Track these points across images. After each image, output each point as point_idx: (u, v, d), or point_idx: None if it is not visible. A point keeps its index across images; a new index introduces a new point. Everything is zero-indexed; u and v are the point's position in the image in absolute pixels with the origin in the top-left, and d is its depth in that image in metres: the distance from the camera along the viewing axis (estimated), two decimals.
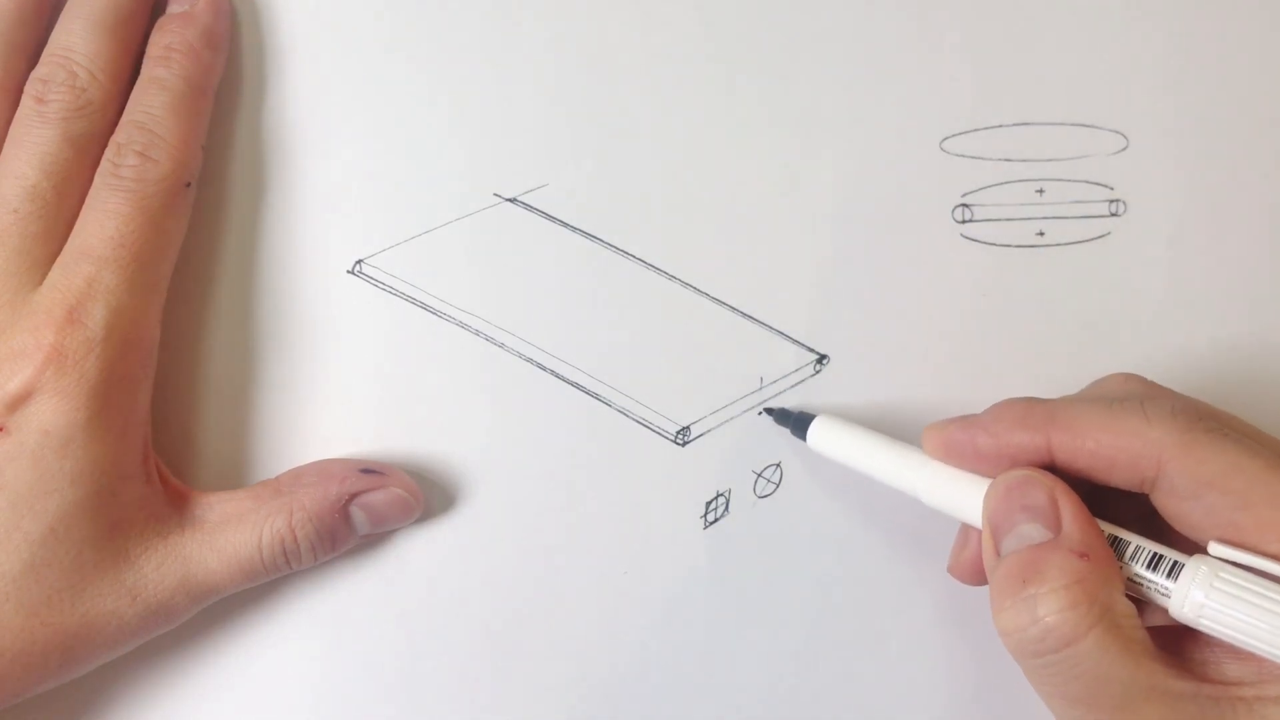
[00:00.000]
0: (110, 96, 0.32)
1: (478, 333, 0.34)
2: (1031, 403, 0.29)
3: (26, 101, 0.31)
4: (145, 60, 0.33)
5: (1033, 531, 0.27)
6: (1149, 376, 0.35)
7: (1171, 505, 0.27)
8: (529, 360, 0.34)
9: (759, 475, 0.34)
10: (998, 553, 0.28)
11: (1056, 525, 0.27)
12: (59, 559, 0.29)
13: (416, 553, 0.34)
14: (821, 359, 0.35)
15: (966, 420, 0.29)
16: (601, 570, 0.34)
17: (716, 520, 0.34)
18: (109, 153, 0.31)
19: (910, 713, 0.34)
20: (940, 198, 0.35)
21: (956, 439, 0.29)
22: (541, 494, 0.34)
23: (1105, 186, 0.36)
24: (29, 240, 0.30)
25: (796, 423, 0.33)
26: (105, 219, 0.30)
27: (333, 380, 0.34)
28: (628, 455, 0.34)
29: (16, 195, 0.30)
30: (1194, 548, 0.27)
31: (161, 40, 0.33)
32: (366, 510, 0.32)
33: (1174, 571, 0.27)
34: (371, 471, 0.32)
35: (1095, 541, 0.27)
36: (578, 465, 0.34)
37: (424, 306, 0.34)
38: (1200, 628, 0.26)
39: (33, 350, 0.29)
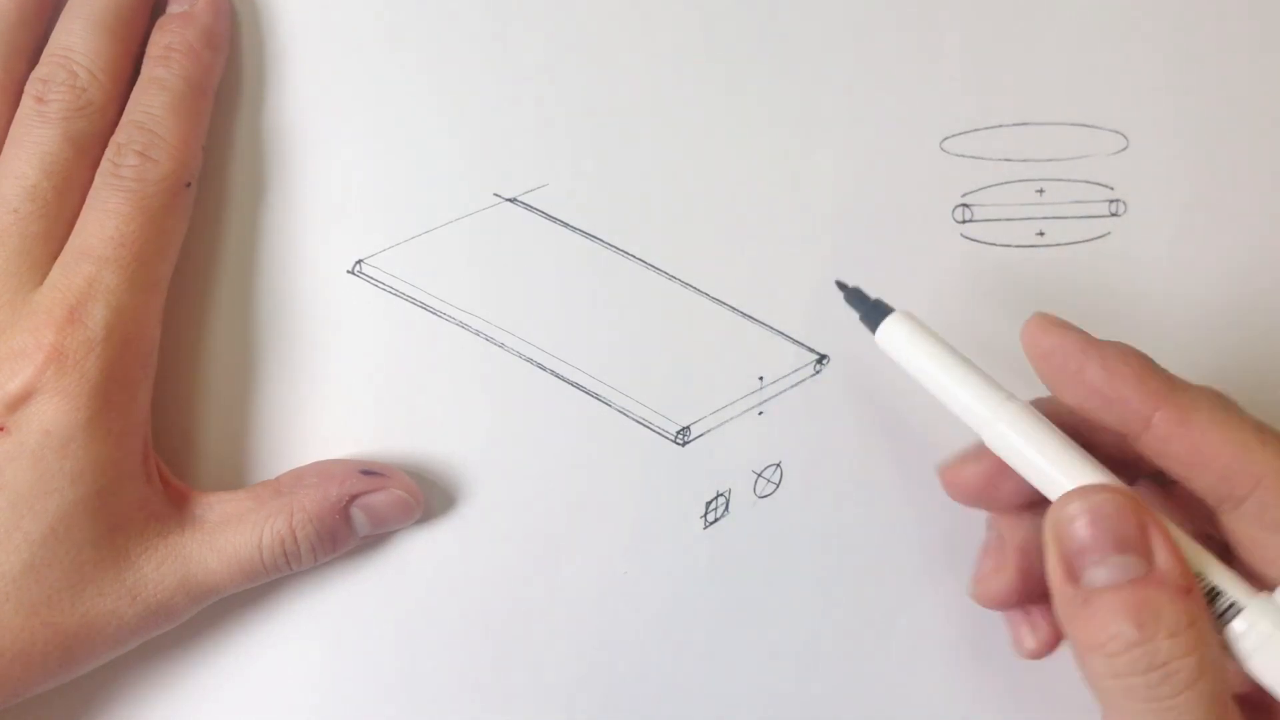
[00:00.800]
0: (111, 96, 0.32)
1: (478, 333, 0.34)
2: (1153, 366, 0.27)
3: (27, 101, 0.31)
4: (145, 60, 0.33)
5: (1129, 565, 0.25)
6: None
7: (1251, 532, 0.26)
8: (529, 360, 0.34)
9: (759, 475, 0.34)
10: (1076, 581, 0.26)
11: (1149, 555, 0.25)
12: (59, 559, 0.29)
13: (417, 553, 0.34)
14: (821, 359, 0.35)
15: (1083, 339, 0.27)
16: (601, 570, 0.34)
17: (716, 520, 0.34)
18: (109, 153, 0.31)
19: (911, 713, 0.34)
20: (940, 198, 0.35)
21: (1067, 352, 0.27)
22: (541, 494, 0.34)
23: (1105, 186, 0.36)
24: (29, 240, 0.30)
25: (871, 310, 0.30)
26: (105, 219, 0.30)
27: (333, 380, 0.34)
28: (628, 455, 0.34)
29: (17, 195, 0.30)
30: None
31: (161, 40, 0.33)
32: (367, 511, 0.32)
33: (1229, 612, 0.25)
34: (372, 473, 0.32)
35: (1190, 574, 0.25)
36: (578, 465, 0.34)
37: (424, 306, 0.34)
38: (1251, 671, 0.25)
39: (33, 350, 0.29)
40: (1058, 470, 0.27)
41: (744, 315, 0.35)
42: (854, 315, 0.35)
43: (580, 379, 0.34)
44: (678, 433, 0.34)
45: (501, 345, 0.34)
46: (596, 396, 0.34)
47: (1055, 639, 0.31)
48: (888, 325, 0.29)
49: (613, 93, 0.35)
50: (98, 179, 0.31)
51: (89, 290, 0.30)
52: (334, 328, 0.34)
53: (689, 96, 0.35)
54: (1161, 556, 0.25)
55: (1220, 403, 0.27)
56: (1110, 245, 0.36)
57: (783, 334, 0.35)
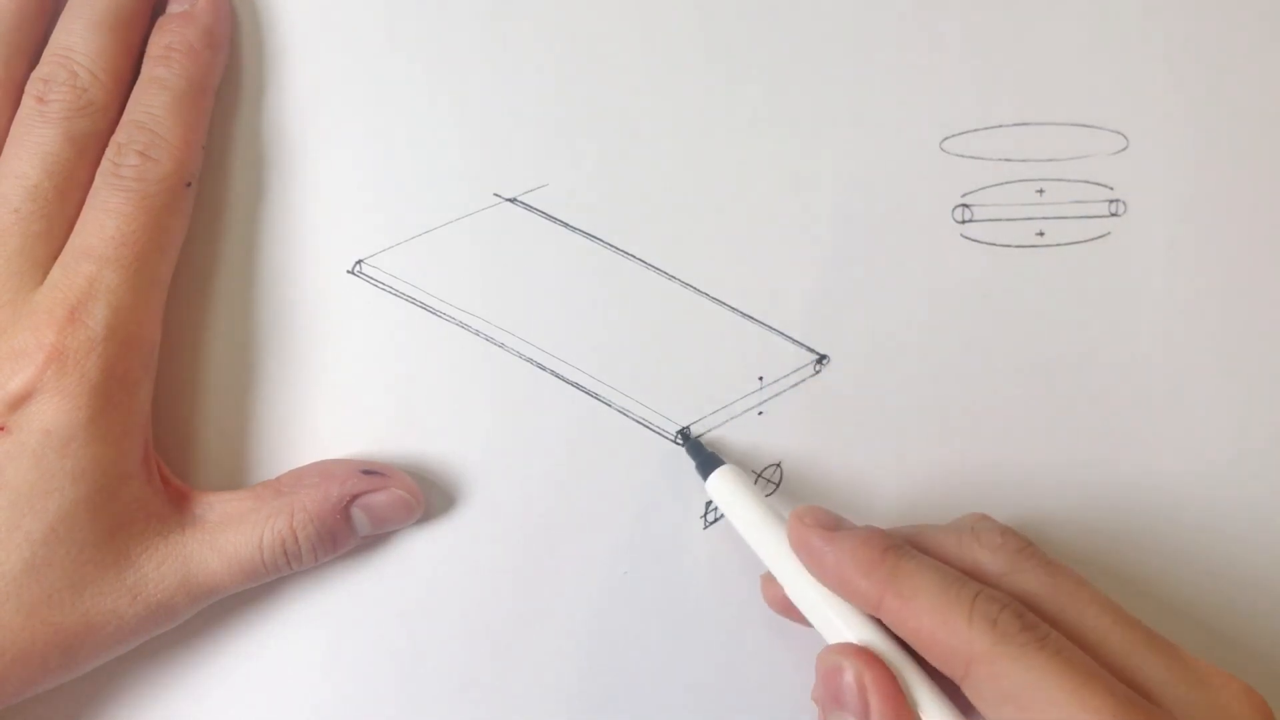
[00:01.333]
0: (112, 96, 0.32)
1: (478, 333, 0.34)
2: (885, 550, 0.29)
3: (28, 101, 0.31)
4: (145, 60, 0.33)
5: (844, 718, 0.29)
6: (1146, 376, 0.35)
7: (979, 705, 0.27)
8: (529, 360, 0.34)
9: (759, 475, 0.34)
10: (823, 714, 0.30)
11: (865, 711, 0.28)
12: (60, 558, 0.29)
13: (417, 552, 0.34)
14: (821, 359, 0.35)
15: (826, 532, 0.30)
16: (602, 570, 0.34)
17: (717, 520, 0.34)
18: (110, 152, 0.31)
19: None
20: (940, 198, 0.35)
21: (811, 544, 0.30)
22: (541, 494, 0.34)
23: (1105, 186, 0.36)
24: (30, 240, 0.30)
25: (705, 461, 0.33)
26: (106, 218, 0.30)
27: (333, 380, 0.34)
28: (628, 455, 0.34)
29: (18, 195, 0.30)
30: None
31: (162, 40, 0.33)
32: (367, 511, 0.32)
33: None
34: (373, 473, 0.32)
35: None
36: (578, 465, 0.34)
37: (424, 306, 0.34)
38: None
39: (34, 350, 0.29)
40: (824, 623, 0.30)
41: (744, 315, 0.35)
42: (855, 315, 0.35)
43: (580, 379, 0.34)
44: (678, 433, 0.34)
45: (501, 345, 0.34)
46: (596, 397, 0.34)
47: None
48: (716, 476, 0.32)
49: (612, 94, 0.35)
50: (98, 178, 0.31)
51: (90, 290, 0.30)
52: (334, 328, 0.34)
53: (688, 97, 0.35)
54: (875, 713, 0.28)
55: (942, 579, 0.28)
56: (1110, 245, 0.36)
57: (782, 334, 0.35)
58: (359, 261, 0.34)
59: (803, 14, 0.35)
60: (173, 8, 0.34)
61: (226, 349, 0.34)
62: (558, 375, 0.34)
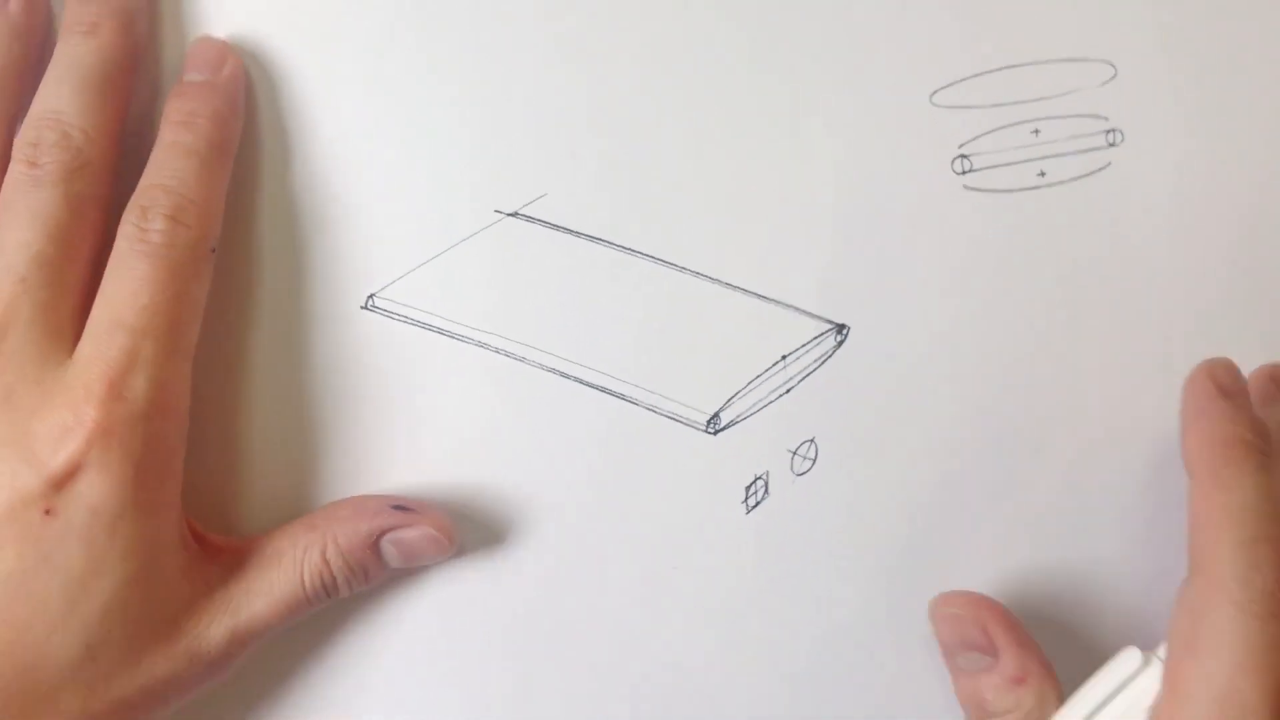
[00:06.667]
0: (107, 160, 0.31)
1: (497, 350, 0.34)
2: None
3: (17, 167, 0.30)
4: (165, 125, 0.32)
5: (973, 660, 0.32)
6: (1163, 302, 0.35)
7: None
8: (552, 370, 0.34)
9: (794, 453, 0.34)
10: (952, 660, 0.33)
11: (993, 651, 0.31)
12: (116, 638, 0.29)
13: (467, 569, 0.34)
14: (841, 329, 0.35)
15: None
16: (649, 569, 0.34)
17: (758, 504, 0.34)
18: (132, 216, 0.30)
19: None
20: (938, 152, 0.35)
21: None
22: (579, 500, 0.34)
23: (1100, 118, 0.36)
24: (40, 309, 0.30)
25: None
26: (138, 286, 0.30)
27: (360, 417, 0.34)
28: (661, 451, 0.34)
29: (22, 263, 0.29)
30: None
31: (184, 106, 0.32)
32: (398, 546, 0.32)
33: None
34: (404, 508, 0.32)
35: (1031, 663, 0.31)
36: (612, 467, 0.34)
37: (440, 331, 0.34)
38: None
39: (75, 427, 0.29)
40: None
41: (758, 296, 0.35)
42: (870, 282, 0.35)
43: (605, 381, 0.34)
44: (708, 421, 0.34)
45: (523, 359, 0.34)
46: (622, 397, 0.34)
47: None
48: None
49: (596, 88, 0.35)
50: (122, 243, 0.30)
51: (128, 363, 0.29)
52: (352, 365, 0.34)
53: (674, 87, 0.35)
54: (1002, 652, 0.31)
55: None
56: (1113, 175, 0.35)
57: (799, 310, 0.35)
58: (371, 296, 0.34)
59: None
60: (191, 75, 0.33)
61: (259, 402, 0.34)
62: (582, 381, 0.34)
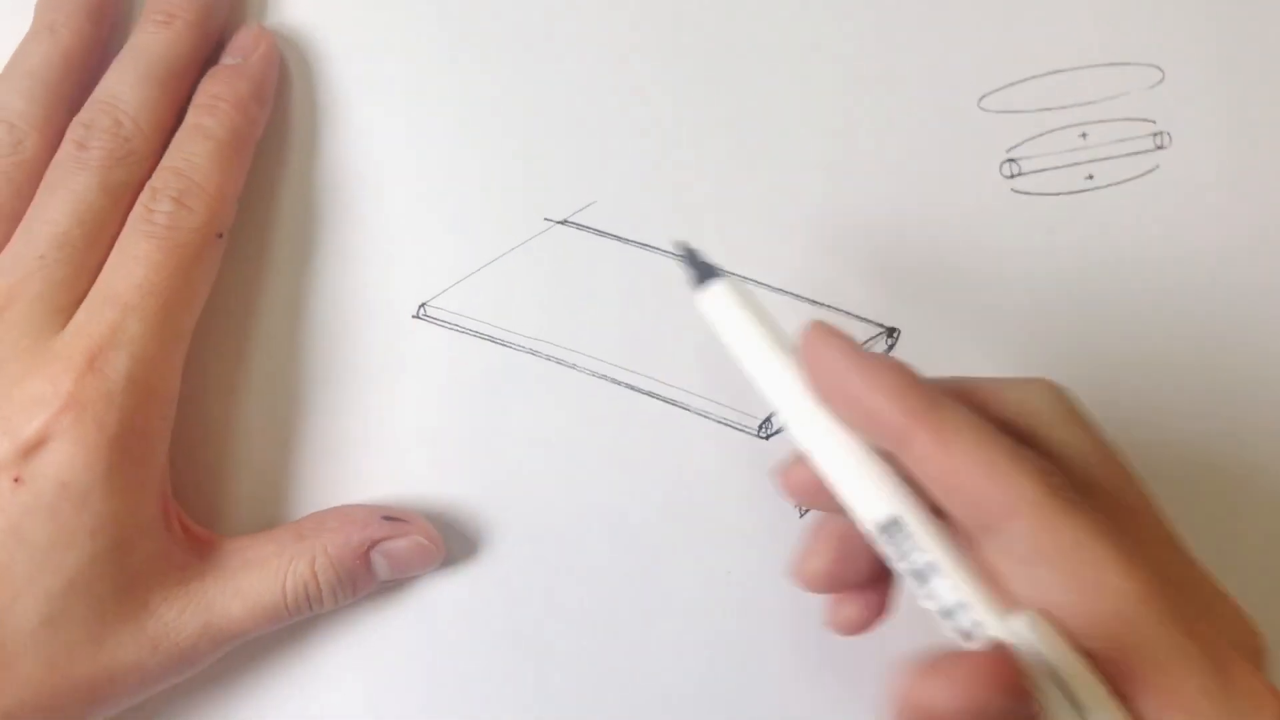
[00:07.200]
0: (152, 148, 0.31)
1: (548, 357, 0.34)
2: (916, 382, 0.25)
3: (67, 147, 0.31)
4: (191, 108, 0.32)
5: None
6: (1210, 304, 0.35)
7: (1002, 563, 0.24)
8: (603, 377, 0.34)
9: None
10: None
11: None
12: (79, 613, 0.29)
13: (524, 570, 0.34)
14: (892, 331, 0.35)
15: (850, 349, 0.26)
16: (705, 575, 0.34)
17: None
18: (144, 197, 0.31)
19: None
20: (986, 156, 0.35)
21: (832, 361, 0.26)
22: (633, 507, 0.34)
23: (1147, 121, 0.36)
24: (52, 286, 0.30)
25: (701, 272, 0.28)
26: (135, 265, 0.30)
27: (409, 423, 0.34)
28: (714, 457, 0.34)
29: (45, 241, 0.30)
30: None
31: (210, 89, 0.32)
32: (387, 557, 0.32)
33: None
34: (394, 519, 0.32)
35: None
36: (665, 474, 0.34)
37: (491, 339, 0.34)
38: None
39: (50, 397, 0.28)
40: (841, 481, 0.26)
41: (809, 301, 0.35)
42: (920, 287, 0.35)
43: (655, 388, 0.34)
44: (760, 426, 0.34)
45: (573, 366, 0.34)
46: (673, 403, 0.34)
47: (863, 622, 0.30)
48: (711, 292, 0.28)
49: (646, 96, 0.35)
50: (130, 224, 0.30)
51: (111, 338, 0.29)
52: (401, 372, 0.34)
53: (721, 93, 0.35)
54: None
55: (983, 424, 0.25)
56: (1161, 178, 0.35)
57: (849, 313, 0.35)
58: (423, 304, 0.34)
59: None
60: (226, 59, 0.33)
61: (269, 399, 0.34)
62: (633, 388, 0.34)
